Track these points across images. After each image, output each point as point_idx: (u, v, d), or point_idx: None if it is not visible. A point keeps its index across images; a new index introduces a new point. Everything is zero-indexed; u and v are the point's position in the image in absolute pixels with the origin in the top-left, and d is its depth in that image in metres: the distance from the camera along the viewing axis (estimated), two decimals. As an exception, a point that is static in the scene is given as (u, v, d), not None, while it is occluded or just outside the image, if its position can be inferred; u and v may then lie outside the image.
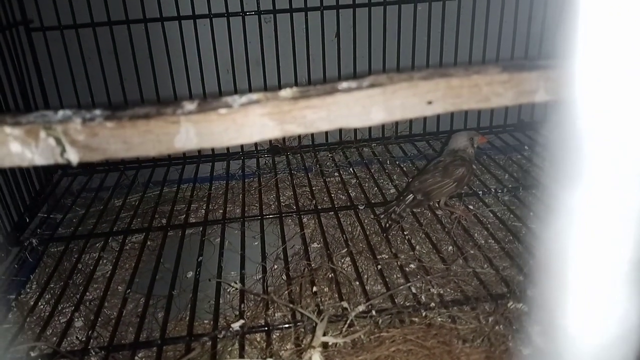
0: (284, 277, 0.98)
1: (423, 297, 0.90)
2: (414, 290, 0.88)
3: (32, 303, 0.97)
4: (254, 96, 0.32)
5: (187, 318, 0.87)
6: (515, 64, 0.35)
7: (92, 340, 0.83)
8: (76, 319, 0.93)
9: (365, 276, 0.99)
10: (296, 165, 1.46)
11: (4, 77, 1.20)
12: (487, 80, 0.34)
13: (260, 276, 0.99)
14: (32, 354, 0.81)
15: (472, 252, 1.02)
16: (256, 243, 1.10)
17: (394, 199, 1.17)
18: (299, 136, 1.52)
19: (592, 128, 0.24)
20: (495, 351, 0.71)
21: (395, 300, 0.88)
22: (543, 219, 0.25)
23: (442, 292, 0.90)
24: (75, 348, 0.87)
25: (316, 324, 0.77)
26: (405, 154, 1.49)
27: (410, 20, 1.43)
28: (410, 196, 1.10)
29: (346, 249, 1.02)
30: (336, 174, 1.39)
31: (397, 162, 1.45)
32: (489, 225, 1.12)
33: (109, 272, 1.02)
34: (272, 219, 1.20)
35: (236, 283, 0.94)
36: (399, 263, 0.97)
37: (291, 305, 0.85)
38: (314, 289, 0.90)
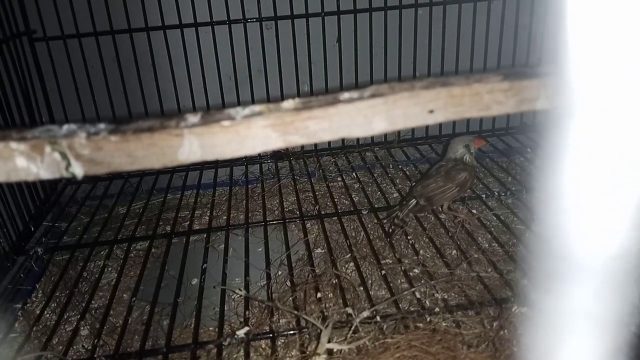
0: (288, 283, 0.98)
1: (427, 302, 0.90)
2: (418, 295, 0.89)
3: (38, 312, 0.98)
4: (257, 108, 0.32)
5: (193, 325, 0.87)
6: (516, 71, 0.35)
7: (98, 349, 0.83)
8: (82, 328, 0.93)
9: (370, 281, 0.99)
10: (299, 170, 1.46)
11: (8, 88, 1.20)
12: (488, 88, 0.34)
13: (264, 283, 1.00)
14: (39, 363, 0.81)
15: (476, 256, 1.02)
16: (260, 249, 1.11)
17: (397, 203, 1.17)
18: (302, 141, 1.52)
19: (588, 132, 0.24)
20: (500, 356, 0.71)
21: (400, 305, 0.88)
22: (543, 221, 0.25)
23: (446, 296, 0.90)
24: (82, 357, 0.88)
25: (321, 330, 0.77)
26: (407, 158, 1.50)
27: (411, 24, 1.44)
28: (413, 201, 1.10)
29: (350, 254, 1.02)
30: (339, 178, 1.39)
31: (400, 166, 1.45)
32: (492, 229, 1.11)
33: (114, 280, 1.03)
34: (276, 224, 1.20)
35: (241, 290, 0.94)
36: (403, 268, 0.97)
37: (296, 312, 0.85)
38: (318, 295, 0.90)
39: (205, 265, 1.01)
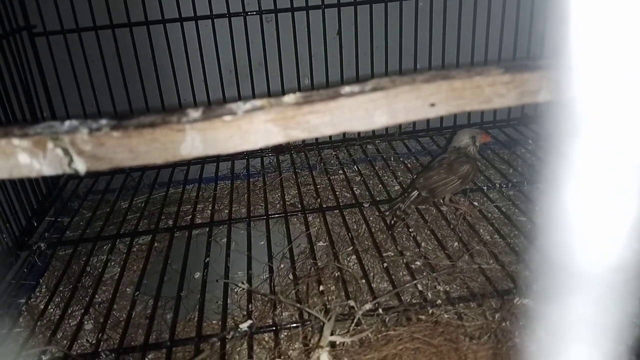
0: (291, 276, 0.98)
1: (429, 294, 0.90)
2: (420, 288, 0.89)
3: (42, 307, 0.98)
4: (258, 102, 0.32)
5: (196, 319, 0.88)
6: (518, 64, 0.35)
7: (102, 343, 0.84)
8: (86, 322, 0.94)
9: (372, 274, 1.00)
10: (300, 163, 1.46)
11: (9, 84, 1.20)
12: (490, 81, 0.34)
13: (267, 276, 1.00)
14: (44, 358, 0.82)
15: (477, 248, 1.02)
16: (262, 243, 1.11)
17: (399, 195, 1.17)
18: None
19: (589, 125, 0.24)
20: (502, 348, 0.71)
21: (402, 297, 0.89)
22: (544, 213, 0.25)
23: (448, 288, 0.90)
24: (86, 351, 0.88)
25: (323, 323, 0.77)
26: (409, 150, 1.49)
27: (412, 16, 1.43)
28: (415, 193, 1.10)
29: (352, 247, 1.02)
30: (340, 171, 1.39)
31: (401, 159, 1.45)
32: (494, 221, 1.11)
33: (117, 274, 1.03)
34: (278, 218, 1.20)
35: (243, 283, 0.94)
36: (404, 260, 0.97)
37: (298, 305, 0.85)
38: (321, 287, 0.90)
39: (207, 259, 1.02)
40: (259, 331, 0.84)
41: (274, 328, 0.83)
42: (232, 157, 1.48)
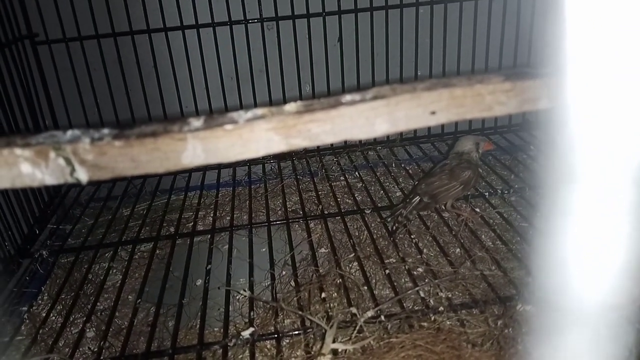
0: (293, 283, 0.98)
1: (431, 301, 0.90)
2: (422, 294, 0.88)
3: (44, 314, 0.98)
4: (259, 111, 0.33)
5: (198, 326, 0.88)
6: (518, 72, 0.35)
7: (104, 351, 0.83)
8: (88, 330, 0.94)
9: (374, 281, 0.99)
10: (302, 170, 1.46)
11: (11, 92, 1.21)
12: (490, 89, 0.34)
13: (268, 283, 1.00)
14: (45, 366, 0.82)
15: (479, 254, 1.02)
16: (264, 249, 1.11)
17: (401, 202, 1.17)
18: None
19: (587, 130, 0.24)
20: (505, 354, 0.71)
21: (404, 304, 0.88)
22: (545, 218, 0.26)
23: (450, 295, 0.90)
24: (88, 359, 0.88)
25: (325, 330, 0.77)
26: (410, 157, 1.49)
27: (413, 23, 1.44)
28: (417, 199, 1.10)
29: (354, 254, 1.02)
30: (342, 178, 1.39)
31: (403, 165, 1.45)
32: (496, 227, 1.11)
33: (119, 281, 1.03)
34: (280, 225, 1.20)
35: (245, 291, 0.94)
36: (406, 267, 0.97)
37: (300, 312, 0.85)
38: (323, 294, 0.90)
39: (209, 266, 1.01)
40: (260, 339, 0.83)
41: (276, 335, 0.83)
42: (234, 164, 1.48)
